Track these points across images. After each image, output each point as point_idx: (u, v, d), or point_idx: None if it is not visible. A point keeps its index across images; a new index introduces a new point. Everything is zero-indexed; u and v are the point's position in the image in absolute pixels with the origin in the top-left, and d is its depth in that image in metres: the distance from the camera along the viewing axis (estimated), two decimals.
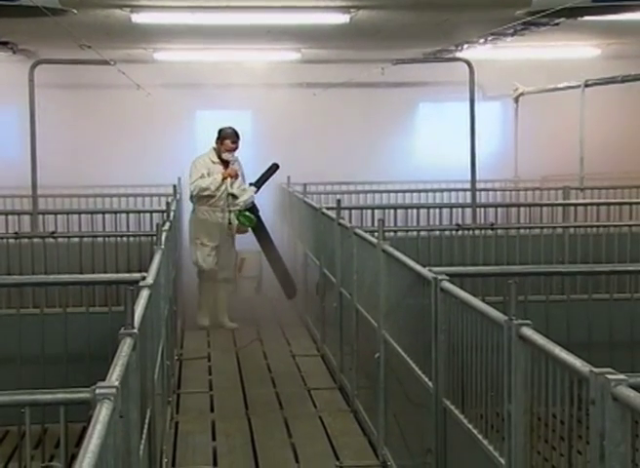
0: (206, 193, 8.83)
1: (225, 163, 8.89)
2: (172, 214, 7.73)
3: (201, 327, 8.98)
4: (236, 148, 8.90)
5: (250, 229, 8.92)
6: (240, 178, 8.92)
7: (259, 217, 8.89)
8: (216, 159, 8.89)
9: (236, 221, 8.80)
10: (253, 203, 8.82)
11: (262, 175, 9.04)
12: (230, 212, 8.81)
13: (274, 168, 9.07)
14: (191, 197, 9.03)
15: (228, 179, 8.84)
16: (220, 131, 8.92)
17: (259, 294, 9.54)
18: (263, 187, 9.12)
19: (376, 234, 5.54)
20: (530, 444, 3.20)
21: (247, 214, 8.71)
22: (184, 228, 10.43)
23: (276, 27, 9.26)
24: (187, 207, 11.55)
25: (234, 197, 8.78)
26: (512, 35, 9.65)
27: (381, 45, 11.17)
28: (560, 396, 2.87)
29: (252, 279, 9.45)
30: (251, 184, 8.92)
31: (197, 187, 8.81)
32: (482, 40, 10.34)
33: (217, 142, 8.91)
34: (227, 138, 8.83)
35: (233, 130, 8.89)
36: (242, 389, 7.10)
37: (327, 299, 7.77)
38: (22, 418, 2.80)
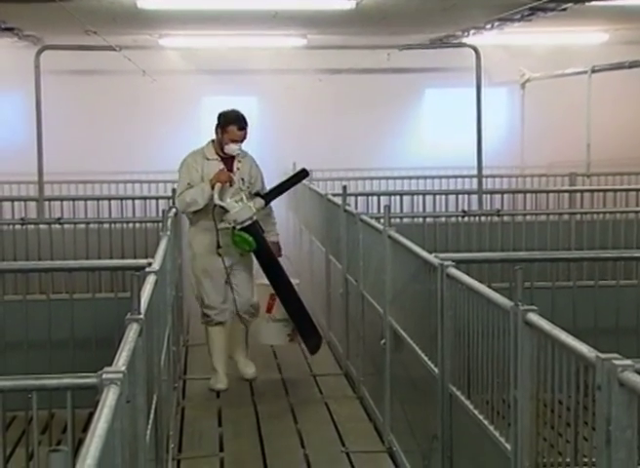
0: (194, 209, 6.52)
1: (228, 159, 6.62)
2: None
3: (216, 390, 6.68)
4: (244, 137, 6.60)
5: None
6: (236, 185, 6.55)
7: (262, 241, 6.54)
8: (212, 155, 6.59)
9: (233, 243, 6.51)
10: (252, 221, 6.42)
11: (283, 182, 6.83)
12: (218, 230, 6.49)
13: (302, 175, 6.89)
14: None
15: (217, 186, 6.44)
16: (222, 115, 6.60)
17: (293, 343, 7.01)
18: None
19: (382, 220, 5.54)
20: (536, 430, 3.20)
21: (242, 234, 6.39)
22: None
23: (282, 13, 9.24)
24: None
25: (226, 210, 6.45)
26: (519, 21, 9.62)
27: (388, 31, 11.14)
28: (566, 382, 2.87)
29: (284, 323, 6.78)
30: (257, 194, 6.63)
31: (181, 204, 6.56)
32: (489, 26, 10.31)
33: (217, 131, 6.60)
34: (233, 124, 6.52)
35: (239, 113, 6.61)
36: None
37: (333, 286, 7.78)
38: (29, 404, 2.81)
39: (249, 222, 6.40)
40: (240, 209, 6.40)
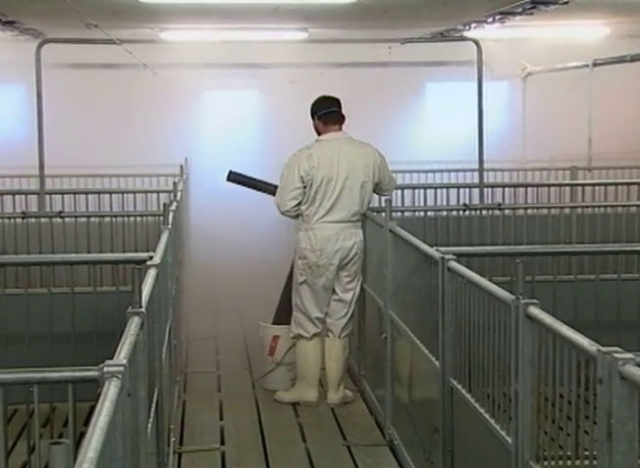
0: None
1: None
2: (179, 193, 7.72)
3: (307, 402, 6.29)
4: None
5: None
6: None
7: None
8: None
9: None
10: None
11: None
12: None
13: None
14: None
15: None
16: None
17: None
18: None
19: (383, 214, 5.54)
20: (537, 423, 3.20)
21: None
22: (191, 208, 10.40)
23: (283, 6, 9.21)
24: (196, 188, 11.53)
25: None
26: (521, 14, 9.59)
27: (389, 24, 11.11)
28: (567, 375, 2.87)
29: (287, 367, 6.54)
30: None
31: None
32: (490, 19, 10.27)
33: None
34: None
35: None
36: (249, 369, 7.11)
37: None
38: (31, 397, 2.80)
39: None
40: None
